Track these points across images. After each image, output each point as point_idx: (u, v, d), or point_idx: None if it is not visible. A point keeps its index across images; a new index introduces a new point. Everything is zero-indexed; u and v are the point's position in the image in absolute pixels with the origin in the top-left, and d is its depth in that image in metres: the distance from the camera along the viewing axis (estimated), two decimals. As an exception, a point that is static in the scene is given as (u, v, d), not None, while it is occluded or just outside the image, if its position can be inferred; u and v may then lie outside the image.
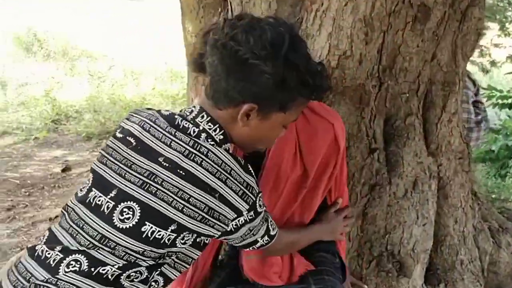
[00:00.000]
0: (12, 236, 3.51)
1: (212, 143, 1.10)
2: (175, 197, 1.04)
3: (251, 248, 1.23)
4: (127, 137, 1.12)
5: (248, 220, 1.12)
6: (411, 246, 1.88)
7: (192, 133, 1.10)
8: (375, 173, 1.87)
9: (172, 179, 1.05)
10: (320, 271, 1.45)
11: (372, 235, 1.87)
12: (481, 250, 2.22)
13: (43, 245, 1.09)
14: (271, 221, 1.23)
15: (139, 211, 1.05)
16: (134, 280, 1.08)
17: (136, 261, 1.07)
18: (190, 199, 1.04)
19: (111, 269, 1.05)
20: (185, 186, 1.04)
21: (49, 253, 1.07)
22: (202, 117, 1.12)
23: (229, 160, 1.07)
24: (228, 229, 1.11)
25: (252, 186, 1.09)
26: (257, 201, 1.11)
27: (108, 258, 1.06)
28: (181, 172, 1.05)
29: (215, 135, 1.11)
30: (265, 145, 1.26)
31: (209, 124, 1.11)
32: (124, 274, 1.06)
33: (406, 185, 1.91)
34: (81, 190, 1.14)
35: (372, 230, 1.87)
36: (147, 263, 1.08)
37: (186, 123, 1.12)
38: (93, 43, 11.88)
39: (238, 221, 1.10)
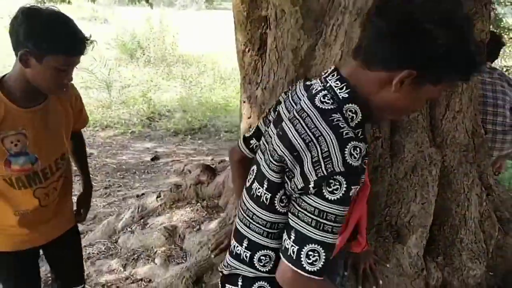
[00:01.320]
0: (107, 207, 4.28)
1: (330, 101, 1.08)
2: (269, 156, 1.14)
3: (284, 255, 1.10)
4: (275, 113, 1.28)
5: (308, 191, 1.03)
6: (408, 219, 2.24)
7: (314, 90, 1.13)
8: (379, 157, 2.26)
9: (274, 140, 1.13)
10: None
11: (374, 208, 2.24)
12: (486, 234, 2.50)
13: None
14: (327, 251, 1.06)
15: (255, 173, 1.21)
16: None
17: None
18: (274, 155, 1.11)
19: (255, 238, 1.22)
20: (277, 144, 1.11)
21: None
22: (333, 75, 1.13)
23: (324, 127, 1.03)
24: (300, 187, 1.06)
25: (331, 161, 0.99)
26: (328, 182, 1.00)
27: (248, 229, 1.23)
28: (280, 133, 1.12)
29: (339, 92, 1.09)
30: (397, 116, 1.26)
31: (337, 82, 1.11)
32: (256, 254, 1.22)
33: (406, 169, 2.27)
34: None
35: (374, 203, 2.24)
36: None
37: (316, 83, 1.16)
38: (191, 49, 12.84)
39: (305, 190, 1.04)
